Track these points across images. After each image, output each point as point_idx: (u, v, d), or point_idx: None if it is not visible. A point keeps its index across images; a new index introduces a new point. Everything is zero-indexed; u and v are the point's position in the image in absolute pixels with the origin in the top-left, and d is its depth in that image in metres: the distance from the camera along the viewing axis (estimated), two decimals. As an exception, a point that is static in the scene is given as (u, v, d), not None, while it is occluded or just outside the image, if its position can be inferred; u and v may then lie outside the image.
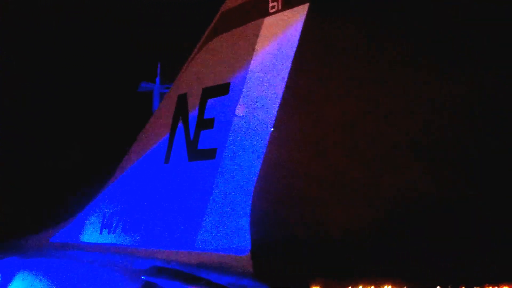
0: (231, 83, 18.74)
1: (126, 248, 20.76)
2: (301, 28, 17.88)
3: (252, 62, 18.33)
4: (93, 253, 22.26)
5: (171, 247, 19.17)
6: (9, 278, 24.74)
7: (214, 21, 20.06)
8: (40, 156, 51.15)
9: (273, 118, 18.38)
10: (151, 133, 21.71)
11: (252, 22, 18.59)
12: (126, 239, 21.00)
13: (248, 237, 17.91)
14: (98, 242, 22.33)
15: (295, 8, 17.85)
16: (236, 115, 18.38)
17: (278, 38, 18.17)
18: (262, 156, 18.31)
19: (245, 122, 18.38)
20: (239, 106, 18.37)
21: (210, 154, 18.81)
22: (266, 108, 18.40)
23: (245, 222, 18.08)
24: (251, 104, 18.38)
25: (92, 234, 22.85)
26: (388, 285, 27.69)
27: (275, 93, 18.36)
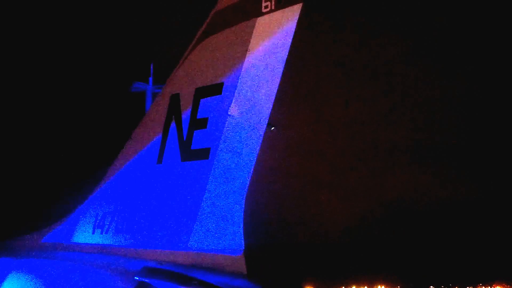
0: (224, 83, 18.69)
1: (119, 248, 20.65)
2: (294, 28, 17.88)
3: (245, 62, 18.29)
4: (86, 254, 22.12)
5: (164, 248, 19.10)
6: (0, 279, 24.53)
7: (207, 21, 20.00)
8: (32, 156, 51.01)
9: (267, 118, 18.39)
10: (143, 133, 21.60)
11: (245, 22, 18.56)
12: (119, 239, 20.89)
13: (242, 237, 17.90)
14: (91, 242, 22.20)
15: (288, 8, 17.84)
16: (230, 115, 18.34)
17: (271, 38, 18.15)
18: (255, 156, 18.30)
19: (239, 122, 18.34)
20: (232, 106, 18.33)
21: (203, 154, 18.75)
22: (260, 108, 18.39)
23: (238, 222, 18.07)
24: (244, 104, 18.35)
25: (84, 234, 22.72)
26: (381, 285, 27.72)
27: (268, 93, 18.35)
